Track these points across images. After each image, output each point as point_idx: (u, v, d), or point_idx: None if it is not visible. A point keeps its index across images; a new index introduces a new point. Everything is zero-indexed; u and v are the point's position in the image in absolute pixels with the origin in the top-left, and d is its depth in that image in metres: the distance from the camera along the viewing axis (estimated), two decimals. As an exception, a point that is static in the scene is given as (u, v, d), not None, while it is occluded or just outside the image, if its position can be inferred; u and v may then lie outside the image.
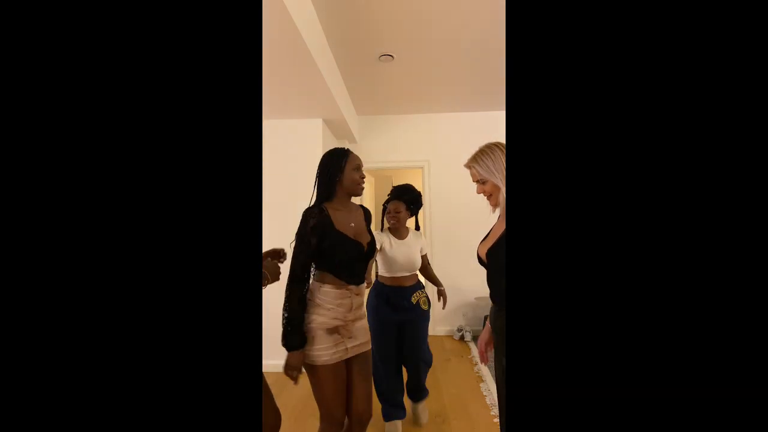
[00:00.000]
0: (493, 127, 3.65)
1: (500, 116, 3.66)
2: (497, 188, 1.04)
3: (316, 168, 1.30)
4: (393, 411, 1.86)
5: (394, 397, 1.86)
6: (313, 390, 1.24)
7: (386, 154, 3.76)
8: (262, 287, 1.01)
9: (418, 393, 1.92)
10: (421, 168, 3.76)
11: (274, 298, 1.75)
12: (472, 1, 1.92)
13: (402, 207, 1.83)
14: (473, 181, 1.11)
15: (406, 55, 2.50)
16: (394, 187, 1.91)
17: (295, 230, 1.22)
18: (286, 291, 1.18)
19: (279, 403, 2.18)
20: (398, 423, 1.87)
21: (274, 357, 2.11)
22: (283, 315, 1.18)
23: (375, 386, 1.85)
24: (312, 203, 1.27)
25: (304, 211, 1.21)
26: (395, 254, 1.79)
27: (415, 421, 1.96)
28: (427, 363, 1.91)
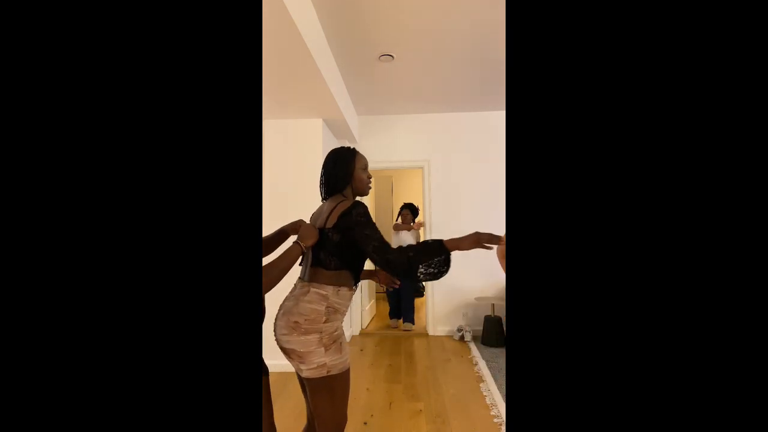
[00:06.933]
0: (493, 127, 3.65)
1: (500, 116, 3.66)
2: None
3: (321, 167, 1.27)
4: (393, 315, 4.02)
5: (393, 308, 4.04)
6: (329, 401, 1.12)
7: (386, 154, 3.76)
8: (261, 276, 0.98)
9: (405, 316, 3.91)
10: (421, 168, 3.76)
11: (274, 297, 1.76)
12: (472, 1, 1.93)
13: (408, 213, 3.97)
14: None
15: (406, 55, 2.50)
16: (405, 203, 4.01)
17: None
18: (411, 257, 1.06)
19: (279, 403, 2.20)
20: (395, 320, 4.02)
21: (274, 357, 2.11)
22: (425, 269, 1.06)
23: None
24: (324, 199, 1.25)
25: (356, 203, 1.15)
26: (404, 239, 3.81)
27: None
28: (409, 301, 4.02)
